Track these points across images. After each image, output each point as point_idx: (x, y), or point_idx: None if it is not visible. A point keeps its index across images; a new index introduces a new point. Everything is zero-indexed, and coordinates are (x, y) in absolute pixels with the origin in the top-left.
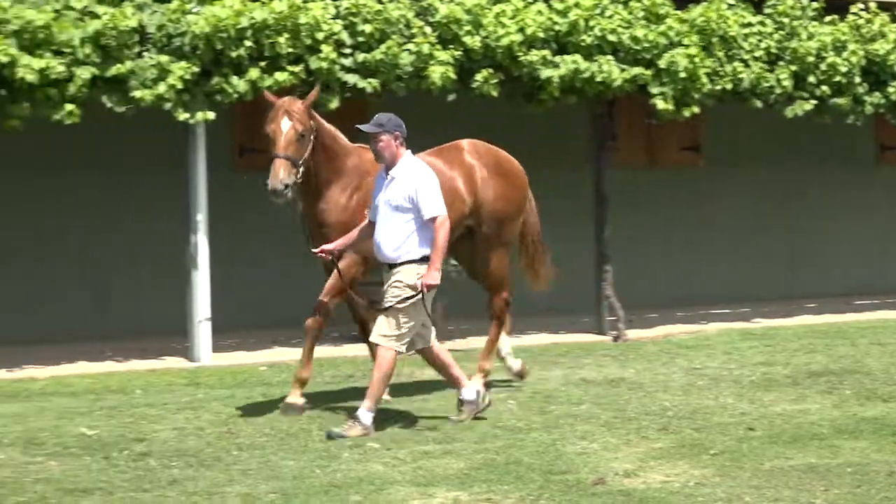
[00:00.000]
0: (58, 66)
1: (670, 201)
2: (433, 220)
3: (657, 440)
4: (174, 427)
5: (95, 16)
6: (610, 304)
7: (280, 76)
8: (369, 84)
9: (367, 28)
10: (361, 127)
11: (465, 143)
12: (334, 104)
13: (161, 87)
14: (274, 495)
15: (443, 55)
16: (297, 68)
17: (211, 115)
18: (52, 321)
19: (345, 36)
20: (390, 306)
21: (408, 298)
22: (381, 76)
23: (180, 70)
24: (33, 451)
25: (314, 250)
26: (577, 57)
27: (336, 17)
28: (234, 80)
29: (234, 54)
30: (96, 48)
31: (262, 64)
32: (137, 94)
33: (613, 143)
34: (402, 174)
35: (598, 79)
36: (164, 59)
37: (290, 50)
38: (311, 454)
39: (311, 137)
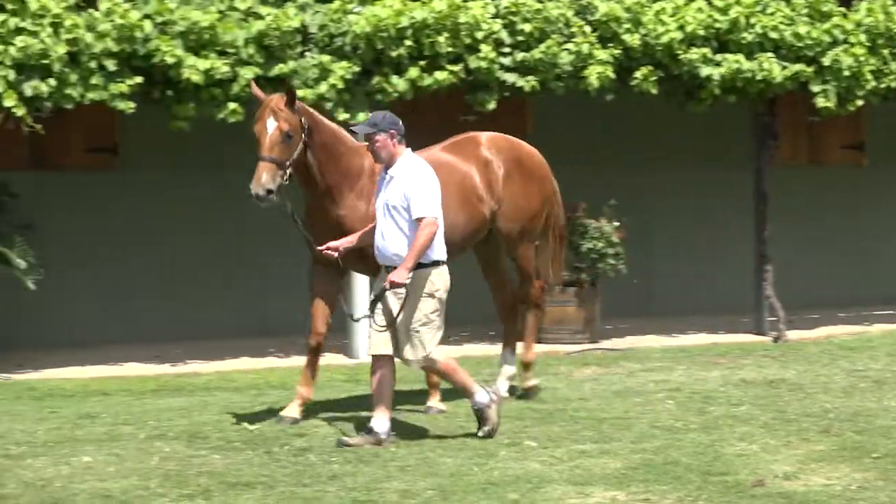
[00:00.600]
0: (222, 67)
1: (832, 200)
2: (419, 220)
3: (818, 442)
4: (334, 423)
5: (259, 16)
6: (770, 305)
7: (439, 75)
8: (528, 83)
9: (527, 27)
10: (355, 128)
11: (483, 136)
12: (492, 104)
13: (322, 87)
14: (432, 492)
15: (602, 54)
16: (456, 67)
17: (370, 114)
18: (214, 318)
19: (504, 35)
20: (414, 329)
21: (431, 312)
22: (540, 75)
23: (341, 70)
24: (197, 444)
25: (319, 248)
26: (740, 56)
27: (496, 16)
28: (394, 79)
29: (394, 54)
30: (260, 48)
31: (422, 63)
32: (299, 93)
33: (774, 142)
34: (401, 173)
35: (759, 77)
36: (325, 58)
37: (450, 49)
38: (469, 451)
39: (303, 136)
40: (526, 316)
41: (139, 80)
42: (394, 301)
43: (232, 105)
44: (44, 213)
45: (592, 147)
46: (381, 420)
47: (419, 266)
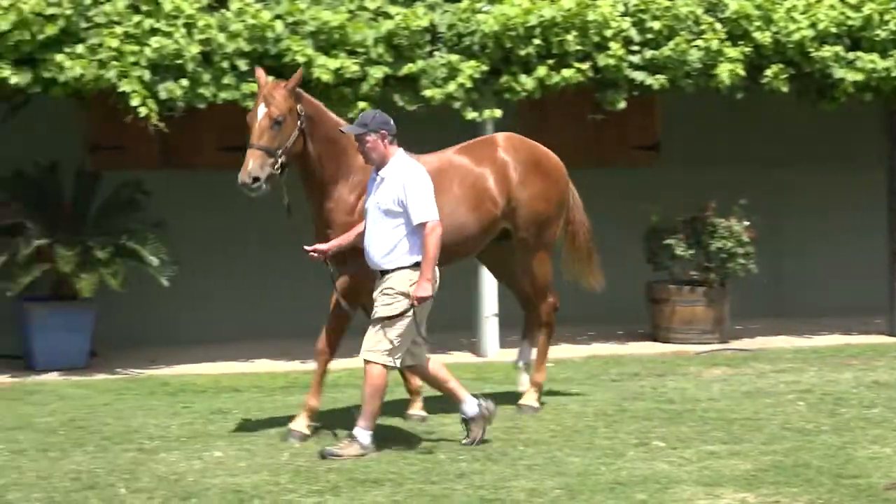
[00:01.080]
0: (352, 66)
1: None
2: (423, 225)
3: None
4: (462, 421)
5: (388, 16)
6: None
7: (566, 73)
8: (657, 81)
9: (656, 25)
10: (343, 129)
11: (500, 136)
12: (622, 103)
13: (451, 86)
14: (559, 491)
15: (732, 52)
16: (584, 65)
17: (498, 112)
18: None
19: (633, 33)
20: (380, 317)
21: (400, 309)
22: (669, 73)
23: (470, 69)
24: (327, 441)
25: (306, 248)
26: (874, 56)
27: (624, 14)
28: (522, 78)
29: (522, 52)
30: (388, 48)
31: (550, 62)
32: (428, 93)
33: None
34: (392, 175)
35: (894, 74)
36: (453, 58)
37: (578, 47)
38: (597, 451)
39: (299, 125)
40: (538, 335)
41: (270, 79)
42: (377, 302)
43: (361, 104)
44: (175, 211)
45: (721, 146)
46: (366, 432)
47: (400, 268)
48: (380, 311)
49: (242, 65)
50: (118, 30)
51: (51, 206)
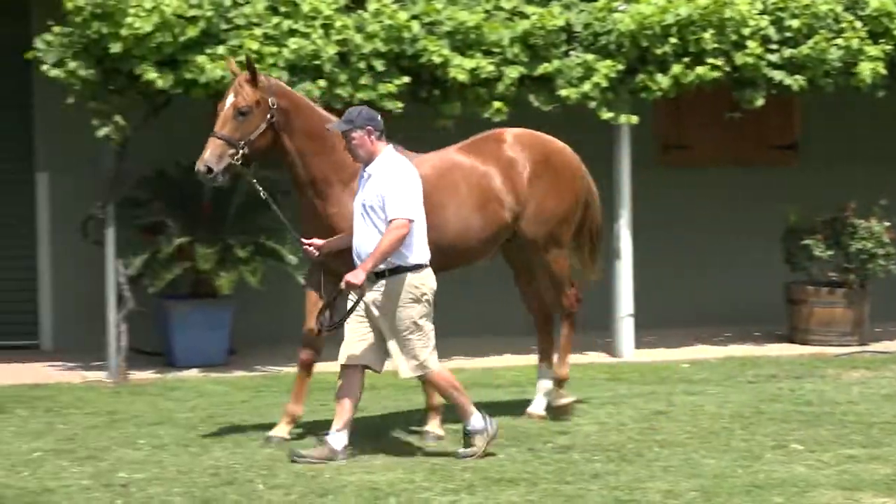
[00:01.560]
0: (488, 66)
1: None
2: (391, 221)
3: None
4: (597, 421)
5: (524, 16)
6: None
7: (701, 70)
8: (795, 81)
9: (795, 23)
10: (329, 126)
11: (508, 133)
12: (760, 101)
13: (586, 86)
14: (695, 493)
15: (873, 50)
16: (719, 61)
17: (634, 118)
18: (482, 315)
19: (771, 31)
20: (407, 336)
21: (419, 318)
22: (808, 72)
23: (605, 68)
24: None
25: (303, 240)
26: None
27: (762, 12)
28: (658, 76)
29: (658, 51)
30: (524, 48)
31: (686, 60)
32: (563, 92)
33: None
34: (378, 172)
35: None
36: (589, 57)
37: (715, 45)
38: (733, 453)
39: (268, 118)
40: (561, 328)
41: (406, 79)
42: (374, 310)
43: (497, 104)
44: None
45: (862, 145)
46: (340, 435)
47: (396, 271)
48: (401, 328)
49: (379, 65)
50: (257, 31)
51: (191, 206)
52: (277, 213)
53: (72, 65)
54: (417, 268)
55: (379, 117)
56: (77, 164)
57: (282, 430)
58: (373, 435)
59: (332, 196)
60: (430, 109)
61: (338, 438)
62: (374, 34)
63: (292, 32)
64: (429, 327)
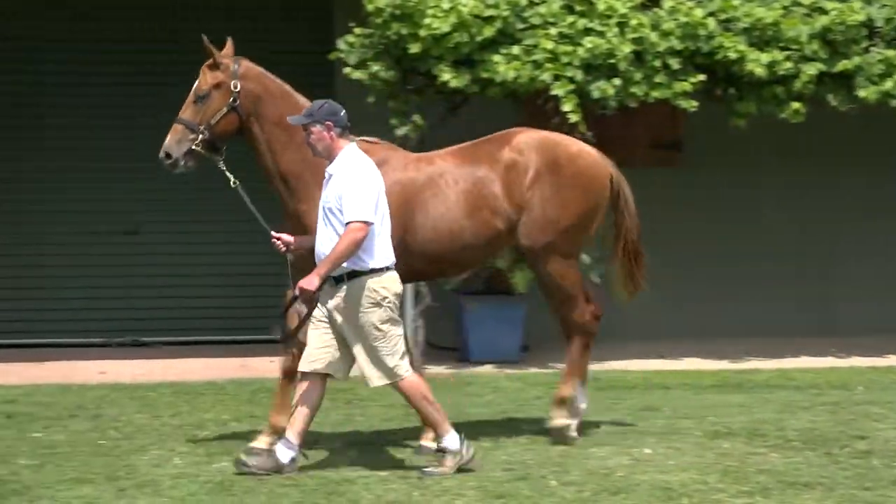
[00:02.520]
0: (785, 62)
1: None
2: (347, 224)
3: None
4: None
5: (823, 11)
6: None
7: None
8: None
9: None
10: (290, 119)
11: (518, 133)
12: None
13: (887, 83)
14: None
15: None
16: None
17: None
18: (775, 315)
19: None
20: (371, 343)
21: (382, 323)
22: None
23: None
24: (756, 442)
25: (273, 233)
26: None
27: None
28: None
29: None
30: (823, 44)
31: None
32: (862, 92)
33: None
34: (338, 172)
35: None
36: (891, 53)
37: None
38: None
39: (233, 102)
40: (571, 344)
41: (702, 77)
42: (336, 316)
43: (795, 104)
44: None
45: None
46: (287, 448)
47: (354, 275)
48: (353, 333)
49: (674, 63)
50: (553, 31)
51: None
52: (247, 203)
53: (374, 67)
54: (377, 271)
55: (343, 113)
56: None
57: (262, 442)
58: (666, 435)
59: (301, 191)
60: (722, 109)
61: (286, 452)
62: (669, 32)
63: (587, 31)
64: (394, 333)
